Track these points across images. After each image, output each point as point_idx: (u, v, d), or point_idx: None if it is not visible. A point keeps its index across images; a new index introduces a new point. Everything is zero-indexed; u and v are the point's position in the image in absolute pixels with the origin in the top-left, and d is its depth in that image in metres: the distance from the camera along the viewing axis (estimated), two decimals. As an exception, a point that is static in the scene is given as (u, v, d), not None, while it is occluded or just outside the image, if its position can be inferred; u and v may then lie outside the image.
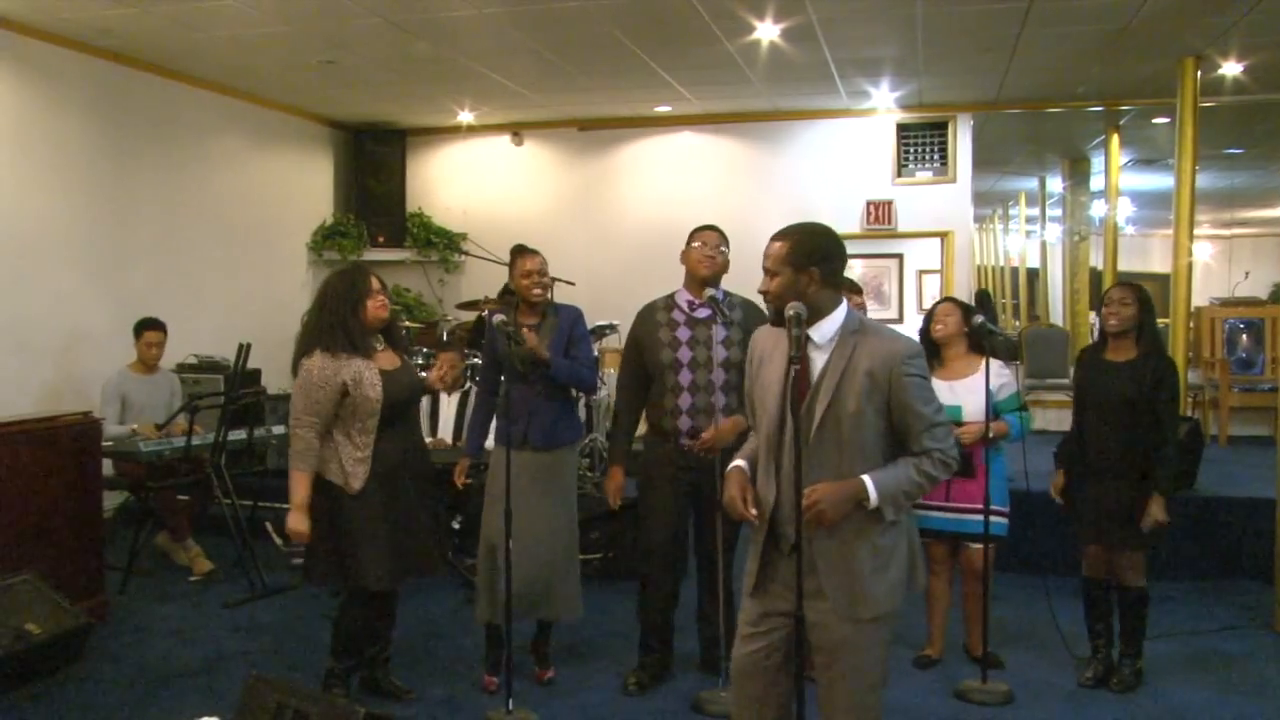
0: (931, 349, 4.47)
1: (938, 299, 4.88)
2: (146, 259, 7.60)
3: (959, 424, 4.25)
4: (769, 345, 2.79)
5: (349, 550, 3.88)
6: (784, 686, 2.73)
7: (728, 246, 4.29)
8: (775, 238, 2.74)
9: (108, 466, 5.80)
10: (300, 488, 3.84)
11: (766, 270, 2.72)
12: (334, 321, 3.91)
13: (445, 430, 6.29)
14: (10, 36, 6.45)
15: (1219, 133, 9.62)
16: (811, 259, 2.67)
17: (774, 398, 2.71)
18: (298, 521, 3.84)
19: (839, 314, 2.69)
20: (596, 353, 7.43)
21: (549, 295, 4.43)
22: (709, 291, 4.21)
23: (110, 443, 5.78)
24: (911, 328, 11.00)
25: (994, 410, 4.32)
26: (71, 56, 6.91)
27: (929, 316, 4.62)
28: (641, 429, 4.48)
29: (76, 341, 6.93)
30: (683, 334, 4.22)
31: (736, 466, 2.82)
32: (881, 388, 2.61)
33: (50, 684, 4.38)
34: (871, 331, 2.70)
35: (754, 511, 2.73)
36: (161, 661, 4.70)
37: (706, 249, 4.23)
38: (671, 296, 4.35)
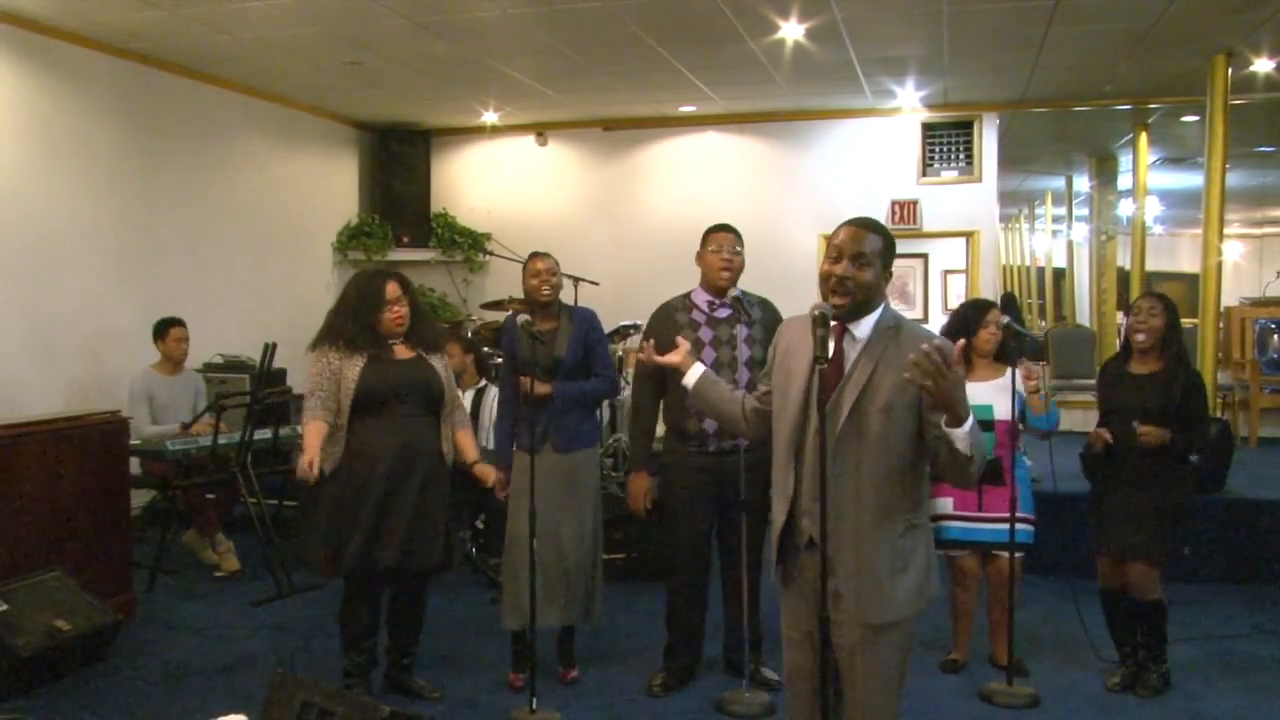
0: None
1: (981, 302, 4.72)
2: (173, 259, 7.66)
3: (990, 423, 4.24)
4: (797, 336, 2.77)
5: (318, 533, 3.95)
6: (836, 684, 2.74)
7: (743, 246, 4.25)
8: (864, 227, 2.67)
9: (135, 465, 5.85)
10: (311, 432, 3.92)
11: (857, 257, 2.62)
12: (343, 328, 4.00)
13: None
14: (40, 39, 6.51)
15: (1250, 131, 9.51)
16: (892, 258, 2.71)
17: (799, 390, 2.70)
18: (307, 463, 3.84)
19: (880, 309, 2.69)
20: (621, 353, 7.44)
21: (558, 296, 4.42)
22: (733, 291, 4.20)
23: (138, 441, 5.83)
24: (935, 327, 10.93)
25: (1023, 408, 4.32)
26: (100, 59, 6.98)
27: (971, 324, 4.46)
28: (660, 429, 4.45)
29: (104, 341, 6.99)
30: (705, 334, 4.17)
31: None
32: (915, 386, 2.56)
33: (79, 680, 4.42)
34: (907, 328, 2.68)
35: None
36: (188, 659, 4.74)
37: (724, 254, 4.18)
38: (688, 297, 4.30)
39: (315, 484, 3.90)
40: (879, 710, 2.67)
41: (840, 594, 2.61)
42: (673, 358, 3.06)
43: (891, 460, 2.61)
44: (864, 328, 2.67)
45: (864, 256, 2.62)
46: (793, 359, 2.76)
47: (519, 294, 7.83)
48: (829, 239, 2.72)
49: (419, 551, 4.02)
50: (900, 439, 2.60)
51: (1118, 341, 8.59)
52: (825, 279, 2.66)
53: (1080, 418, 8.06)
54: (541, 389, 4.13)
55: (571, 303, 5.37)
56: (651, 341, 3.00)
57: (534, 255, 4.38)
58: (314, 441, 3.91)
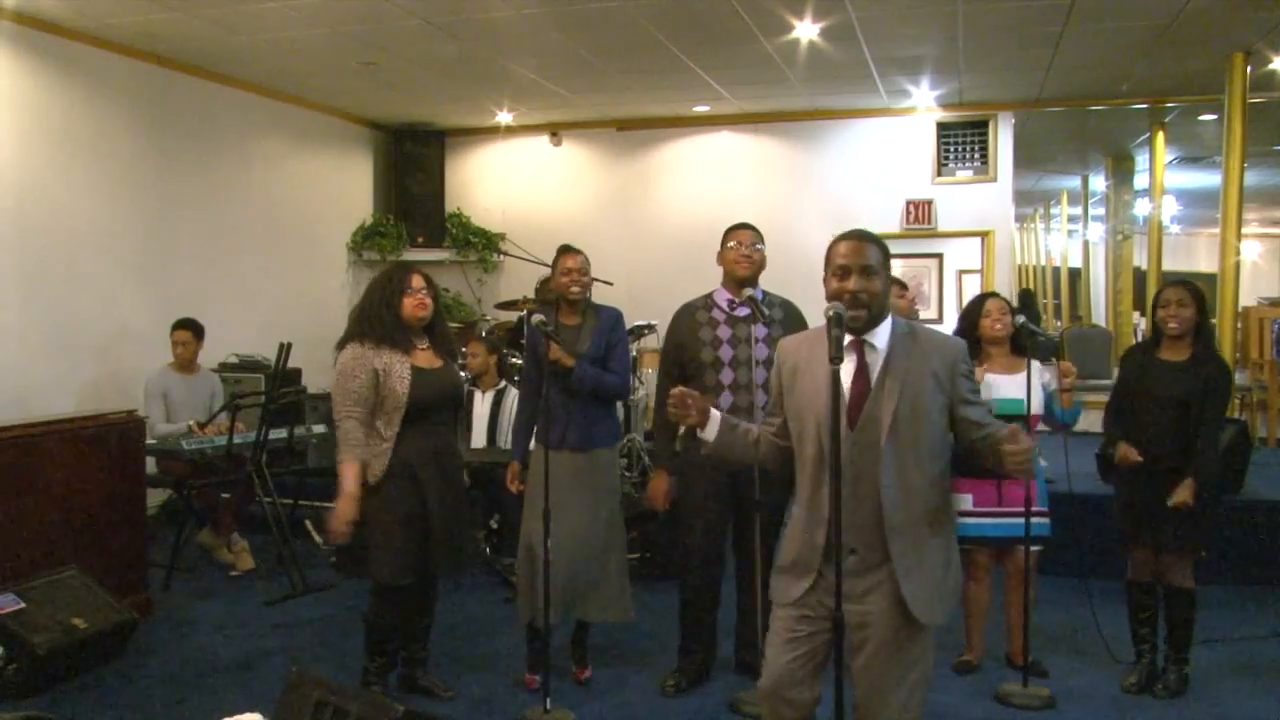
0: (972, 345, 4.43)
1: (983, 294, 4.77)
2: (189, 259, 7.69)
3: (1025, 418, 4.18)
4: (803, 353, 2.75)
5: (366, 542, 3.92)
6: (815, 693, 2.75)
7: (763, 243, 4.26)
8: (863, 239, 2.69)
9: (151, 464, 5.87)
10: (349, 477, 3.85)
11: (866, 269, 2.64)
12: (370, 316, 3.99)
13: (479, 429, 6.28)
14: (58, 41, 6.55)
15: (1268, 129, 9.44)
16: (890, 264, 2.74)
17: (823, 407, 2.59)
18: (346, 509, 3.82)
19: (890, 318, 2.71)
20: (635, 352, 7.45)
21: (588, 294, 4.42)
22: (748, 291, 4.19)
23: (154, 440, 5.86)
24: (950, 327, 10.89)
25: (1045, 404, 4.29)
26: (117, 60, 7.01)
27: (975, 312, 4.52)
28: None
29: (120, 341, 7.03)
30: (723, 333, 4.19)
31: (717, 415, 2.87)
32: (945, 387, 2.64)
33: (95, 678, 4.44)
34: (923, 332, 2.72)
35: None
36: (203, 657, 4.75)
37: (743, 248, 4.20)
38: (710, 296, 4.32)
39: (366, 495, 3.90)
40: (909, 712, 2.68)
41: (879, 592, 2.64)
42: (690, 420, 2.85)
43: (936, 465, 2.66)
44: (881, 337, 2.67)
45: (870, 268, 2.65)
46: (803, 377, 2.72)
47: (533, 294, 7.88)
48: (828, 257, 2.73)
49: (458, 554, 4.10)
50: (938, 443, 2.66)
51: (1135, 341, 8.55)
52: (838, 296, 2.64)
53: (1096, 418, 8.00)
54: (567, 360, 4.15)
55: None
56: (684, 403, 2.84)
57: (564, 251, 4.34)
58: (352, 485, 3.85)
